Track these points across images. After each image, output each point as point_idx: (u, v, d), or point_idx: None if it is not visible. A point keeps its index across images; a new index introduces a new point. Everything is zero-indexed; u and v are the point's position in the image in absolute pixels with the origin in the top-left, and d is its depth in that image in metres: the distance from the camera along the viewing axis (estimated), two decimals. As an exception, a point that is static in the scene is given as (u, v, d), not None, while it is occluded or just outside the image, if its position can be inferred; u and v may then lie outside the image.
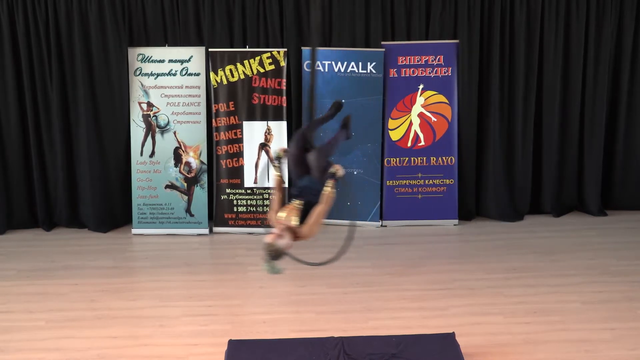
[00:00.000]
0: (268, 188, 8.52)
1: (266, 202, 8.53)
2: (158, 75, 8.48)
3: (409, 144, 8.64)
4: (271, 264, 5.30)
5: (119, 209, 8.75)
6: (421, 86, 8.55)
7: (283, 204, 5.61)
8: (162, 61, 8.47)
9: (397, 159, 8.66)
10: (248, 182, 8.55)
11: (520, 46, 8.51)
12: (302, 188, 5.62)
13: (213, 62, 8.41)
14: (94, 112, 8.47)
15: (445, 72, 8.51)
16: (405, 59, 8.49)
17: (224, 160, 8.54)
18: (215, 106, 8.49)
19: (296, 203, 5.50)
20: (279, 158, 5.96)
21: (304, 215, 5.47)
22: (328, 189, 5.55)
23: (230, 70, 8.42)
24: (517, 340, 6.39)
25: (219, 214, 8.62)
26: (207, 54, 8.43)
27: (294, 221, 5.45)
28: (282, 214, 5.48)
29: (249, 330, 6.62)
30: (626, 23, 8.56)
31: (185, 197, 8.58)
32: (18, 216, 8.70)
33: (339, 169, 5.66)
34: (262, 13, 8.43)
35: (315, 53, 5.63)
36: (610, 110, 8.87)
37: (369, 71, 8.45)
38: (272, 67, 8.42)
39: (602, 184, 8.97)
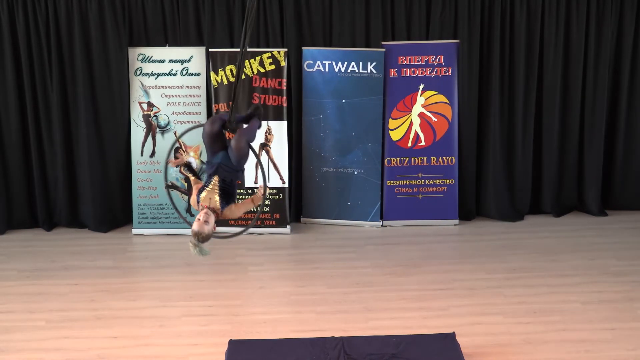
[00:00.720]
0: (268, 188, 8.52)
1: (266, 202, 8.52)
2: (158, 75, 8.48)
3: (410, 144, 8.64)
4: (199, 248, 5.48)
5: (119, 209, 8.75)
6: (421, 86, 8.55)
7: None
8: (162, 61, 8.47)
9: (398, 159, 8.66)
10: (248, 182, 8.55)
11: (520, 46, 8.51)
12: (217, 165, 5.64)
13: (213, 62, 8.42)
14: (94, 112, 8.47)
15: (445, 72, 8.51)
16: (405, 59, 8.49)
17: (224, 160, 8.53)
18: (215, 106, 8.49)
19: (214, 182, 5.58)
20: (186, 166, 6.00)
21: (222, 192, 5.58)
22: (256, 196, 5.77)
23: (231, 70, 8.42)
24: (517, 340, 6.39)
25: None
26: (208, 54, 8.44)
27: (216, 203, 5.55)
28: (203, 196, 5.56)
29: (249, 330, 6.62)
30: (626, 23, 8.56)
31: (186, 197, 8.57)
32: (18, 216, 8.70)
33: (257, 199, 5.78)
34: (262, 13, 8.43)
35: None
36: (610, 110, 8.87)
37: (369, 71, 8.45)
38: (273, 67, 8.42)
39: (602, 184, 8.96)
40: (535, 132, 8.79)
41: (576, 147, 8.85)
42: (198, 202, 5.60)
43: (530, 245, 8.21)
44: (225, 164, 5.65)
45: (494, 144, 8.70)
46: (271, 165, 8.54)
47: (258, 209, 6.09)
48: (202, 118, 8.50)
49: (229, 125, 5.83)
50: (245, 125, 5.95)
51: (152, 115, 8.52)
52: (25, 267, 7.82)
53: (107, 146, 8.58)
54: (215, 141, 5.76)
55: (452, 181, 8.69)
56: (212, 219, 5.50)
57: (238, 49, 8.38)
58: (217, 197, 5.56)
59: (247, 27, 5.50)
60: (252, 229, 8.59)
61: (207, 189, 5.58)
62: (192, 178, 5.85)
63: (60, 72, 8.35)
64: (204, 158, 8.52)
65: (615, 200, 9.05)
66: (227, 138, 5.86)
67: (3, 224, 8.62)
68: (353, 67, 8.45)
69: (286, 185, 8.55)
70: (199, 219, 5.45)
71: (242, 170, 5.82)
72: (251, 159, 8.50)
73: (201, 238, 5.47)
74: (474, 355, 6.14)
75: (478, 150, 8.80)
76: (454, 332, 6.29)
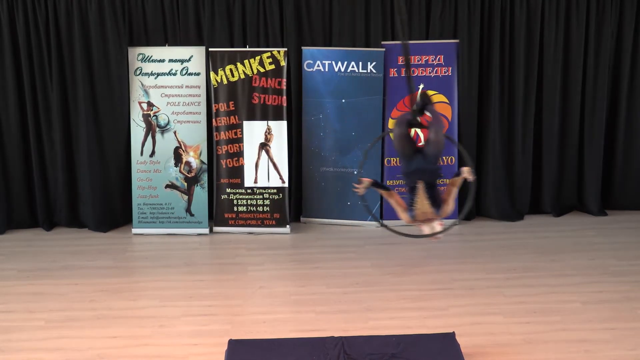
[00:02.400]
0: (268, 188, 8.53)
1: (266, 202, 8.53)
2: (158, 75, 8.48)
3: (409, 144, 8.63)
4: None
5: (119, 209, 8.75)
6: (421, 86, 8.55)
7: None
8: (162, 61, 8.47)
9: (398, 158, 8.66)
10: (248, 181, 8.55)
11: (520, 46, 8.51)
12: (416, 171, 5.55)
13: (213, 62, 8.41)
14: (94, 112, 8.47)
15: (445, 72, 8.51)
16: (405, 59, 8.48)
17: (224, 160, 8.54)
18: (215, 106, 8.49)
19: (420, 191, 5.51)
20: (373, 185, 5.83)
21: (430, 198, 5.53)
22: (457, 177, 5.65)
23: (231, 69, 8.42)
24: (517, 340, 6.39)
25: (219, 214, 8.62)
26: (207, 53, 8.43)
27: (432, 212, 5.53)
28: (420, 208, 5.53)
29: (249, 330, 6.62)
30: (626, 23, 8.56)
31: (186, 197, 8.58)
32: (18, 216, 8.70)
33: (467, 173, 5.63)
34: (262, 13, 8.43)
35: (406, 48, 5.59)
36: (610, 110, 8.87)
37: (369, 71, 8.45)
38: (272, 66, 8.41)
39: (602, 184, 8.97)
40: (535, 132, 8.79)
41: (576, 147, 8.86)
42: (413, 217, 5.57)
43: (530, 245, 8.21)
44: (424, 167, 5.55)
45: (494, 144, 8.70)
46: (271, 165, 8.54)
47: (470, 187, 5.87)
48: (202, 118, 8.50)
49: (414, 119, 5.71)
50: (429, 117, 5.78)
51: (152, 115, 8.52)
52: (25, 267, 7.82)
53: (107, 146, 8.58)
54: (407, 143, 5.66)
55: (452, 181, 8.68)
56: (430, 223, 5.55)
57: (238, 49, 8.40)
58: (429, 207, 5.52)
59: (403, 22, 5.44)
60: (252, 229, 8.60)
61: (416, 201, 5.51)
62: (383, 192, 5.80)
63: (60, 72, 8.35)
64: (204, 158, 8.54)
65: (615, 200, 9.05)
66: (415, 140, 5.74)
67: (3, 224, 8.62)
68: (353, 66, 8.45)
69: (286, 185, 8.55)
70: (423, 228, 5.53)
71: (439, 167, 5.70)
72: (252, 158, 8.57)
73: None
74: (474, 355, 6.14)
75: (478, 150, 8.80)
76: (453, 332, 6.29)
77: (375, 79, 8.46)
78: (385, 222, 5.87)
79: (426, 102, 5.86)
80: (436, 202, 5.58)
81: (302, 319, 6.79)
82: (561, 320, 6.69)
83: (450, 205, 5.63)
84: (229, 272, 7.72)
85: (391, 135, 5.79)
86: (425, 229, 5.62)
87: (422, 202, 5.55)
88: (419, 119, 5.72)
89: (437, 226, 5.62)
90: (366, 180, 5.77)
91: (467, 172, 5.63)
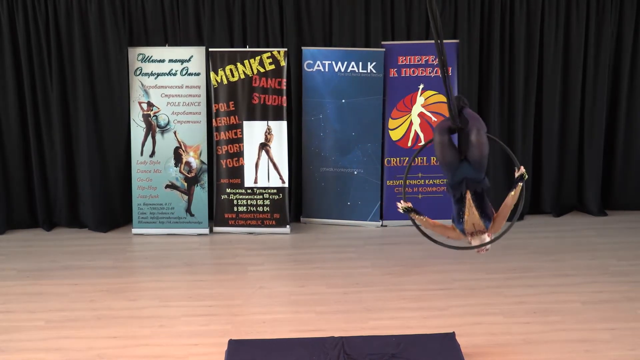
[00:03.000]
0: (268, 188, 8.53)
1: (266, 202, 8.53)
2: (158, 75, 8.48)
3: (409, 144, 8.64)
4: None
5: (119, 209, 8.75)
6: (421, 86, 8.55)
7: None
8: (162, 61, 8.47)
9: (398, 158, 8.66)
10: (248, 181, 8.55)
11: (520, 46, 8.51)
12: (463, 181, 5.38)
13: (213, 62, 8.41)
14: (94, 112, 8.47)
15: (445, 72, 8.51)
16: (405, 59, 8.49)
17: (224, 160, 8.54)
18: (215, 106, 8.49)
19: (469, 201, 5.35)
20: (408, 210, 5.73)
21: (480, 209, 5.39)
22: (515, 191, 5.49)
23: (231, 70, 8.42)
24: (517, 340, 6.39)
25: (219, 214, 8.62)
26: (207, 53, 8.43)
27: (481, 224, 5.40)
28: (469, 220, 5.39)
29: (249, 330, 6.62)
30: (626, 23, 8.56)
31: (186, 197, 8.58)
32: (18, 216, 8.70)
33: (523, 172, 5.53)
34: (262, 13, 8.43)
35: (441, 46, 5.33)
36: (610, 110, 8.87)
37: (369, 71, 8.45)
38: (272, 67, 8.41)
39: (602, 184, 8.97)
40: (535, 132, 8.80)
41: (576, 147, 8.86)
42: (462, 231, 5.43)
43: (530, 245, 8.21)
44: (470, 176, 5.38)
45: (493, 143, 8.69)
46: (271, 165, 8.54)
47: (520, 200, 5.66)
48: (202, 118, 8.50)
49: (454, 124, 5.50)
50: (468, 120, 5.57)
51: (152, 115, 8.52)
52: (25, 267, 7.82)
53: (107, 146, 8.58)
54: (449, 151, 5.46)
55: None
56: (479, 236, 5.42)
57: (238, 49, 8.40)
58: (479, 218, 5.37)
59: (436, 22, 5.14)
60: (252, 229, 8.60)
61: (465, 212, 5.34)
62: (417, 217, 5.61)
63: (60, 72, 8.35)
64: (204, 158, 8.54)
65: (615, 200, 9.05)
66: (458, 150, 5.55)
67: (3, 224, 8.62)
68: (353, 67, 8.45)
69: (286, 185, 8.55)
70: (473, 242, 5.42)
71: (485, 175, 5.50)
72: (252, 158, 8.56)
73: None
74: (474, 355, 6.13)
75: (478, 150, 8.79)
76: (453, 332, 6.29)
77: (375, 79, 8.46)
78: (417, 228, 5.73)
79: (462, 105, 5.66)
80: (485, 213, 5.41)
81: (302, 319, 6.79)
82: (561, 320, 6.69)
83: (503, 219, 5.46)
84: (229, 272, 7.72)
85: (433, 143, 5.54)
86: (474, 241, 5.46)
87: (472, 213, 5.39)
88: (458, 123, 5.52)
89: (486, 237, 5.46)
90: (406, 205, 5.63)
91: (523, 171, 5.48)
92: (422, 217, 5.66)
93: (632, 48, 8.65)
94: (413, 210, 5.66)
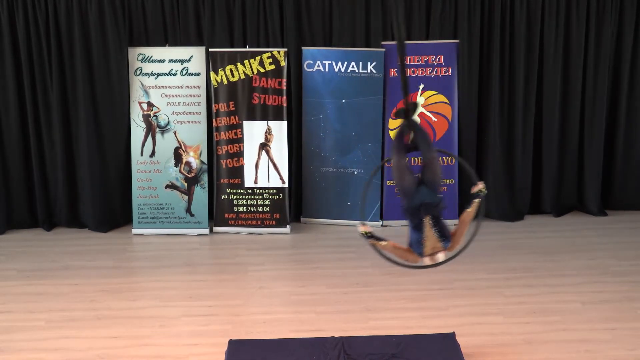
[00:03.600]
0: (268, 188, 8.53)
1: (266, 202, 8.53)
2: (158, 75, 8.48)
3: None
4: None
5: (119, 209, 8.75)
6: (421, 86, 8.55)
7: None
8: (162, 61, 8.47)
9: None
10: (248, 182, 8.55)
11: (520, 46, 8.51)
12: (420, 206, 5.36)
13: (213, 62, 8.41)
14: (94, 112, 8.47)
15: (445, 72, 8.51)
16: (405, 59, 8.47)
17: (224, 160, 8.54)
18: (215, 106, 8.49)
19: (428, 226, 5.33)
20: (368, 236, 5.68)
21: (439, 232, 5.38)
22: (472, 208, 5.50)
23: (231, 70, 8.42)
24: (517, 340, 6.39)
25: (219, 214, 8.62)
26: (207, 53, 8.43)
27: (441, 247, 5.41)
28: (429, 245, 5.39)
29: (249, 330, 6.62)
30: (626, 23, 8.56)
31: (186, 197, 8.58)
32: (18, 216, 8.70)
33: (481, 187, 5.54)
34: (262, 13, 8.43)
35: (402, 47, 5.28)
36: (610, 110, 8.87)
37: (369, 71, 8.45)
38: (273, 67, 8.41)
39: (602, 184, 8.96)
40: (535, 131, 8.79)
41: (576, 147, 8.86)
42: (421, 255, 5.42)
43: (530, 245, 8.21)
44: (427, 201, 5.34)
45: (494, 143, 8.70)
46: (271, 165, 8.54)
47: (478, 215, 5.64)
48: (202, 118, 8.50)
49: (406, 131, 5.50)
50: (419, 131, 5.58)
51: (152, 115, 8.52)
52: (25, 267, 7.82)
53: (107, 146, 8.58)
54: (407, 174, 5.43)
55: (452, 181, 8.69)
56: (440, 255, 5.43)
57: (238, 49, 8.40)
58: (437, 241, 5.37)
59: (400, 24, 5.14)
60: (252, 229, 8.60)
61: (424, 237, 5.33)
62: (377, 243, 5.56)
63: (60, 72, 8.34)
64: (204, 158, 8.54)
65: (615, 200, 9.05)
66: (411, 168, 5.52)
67: (3, 224, 8.62)
68: (353, 67, 8.45)
69: (286, 185, 8.55)
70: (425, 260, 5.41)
71: (442, 197, 5.48)
72: (252, 158, 8.56)
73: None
74: (474, 355, 6.14)
75: (478, 150, 8.80)
76: (454, 332, 6.29)
77: (375, 79, 8.46)
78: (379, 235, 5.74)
79: (409, 114, 5.63)
80: (443, 234, 5.40)
81: (302, 319, 6.79)
82: (561, 320, 6.69)
83: (460, 236, 5.47)
84: (229, 272, 7.72)
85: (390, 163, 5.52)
86: (427, 261, 5.46)
87: (431, 237, 5.39)
88: (411, 134, 5.52)
89: (440, 256, 5.46)
90: (366, 229, 5.62)
91: (481, 187, 5.49)
92: (381, 243, 5.60)
93: (632, 48, 8.64)
94: (373, 236, 5.62)
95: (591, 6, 8.46)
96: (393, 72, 8.49)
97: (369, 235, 5.67)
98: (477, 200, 5.56)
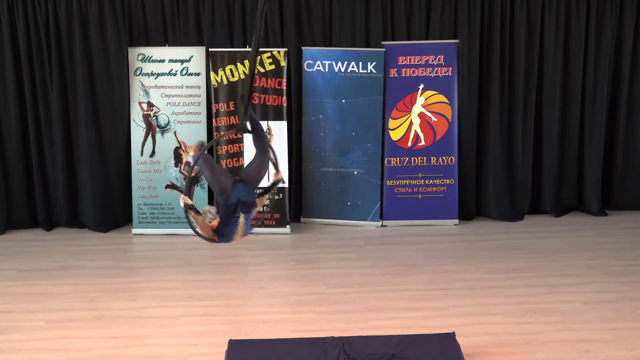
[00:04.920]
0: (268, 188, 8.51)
1: (266, 202, 8.53)
2: (158, 75, 8.48)
3: (409, 144, 8.64)
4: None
5: (119, 209, 8.75)
6: (421, 86, 8.55)
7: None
8: (162, 61, 8.47)
9: (398, 158, 8.66)
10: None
11: (520, 46, 8.51)
12: (237, 204, 5.48)
13: (213, 62, 8.41)
14: (94, 112, 8.47)
15: (445, 72, 8.51)
16: (405, 59, 8.49)
17: (224, 160, 8.54)
18: (215, 106, 8.49)
19: (241, 222, 5.49)
20: (188, 207, 5.64)
21: (247, 224, 5.56)
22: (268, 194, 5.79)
23: (231, 70, 8.42)
24: (517, 340, 6.39)
25: (219, 214, 8.61)
26: (207, 53, 8.44)
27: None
28: (237, 237, 5.57)
29: (249, 330, 6.62)
30: (626, 23, 8.56)
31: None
32: (18, 216, 8.70)
33: (281, 177, 5.85)
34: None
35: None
36: (610, 110, 8.87)
37: (369, 71, 8.45)
38: (273, 67, 8.42)
39: (602, 184, 8.96)
40: (535, 132, 8.79)
41: (576, 147, 8.86)
42: (227, 242, 5.61)
43: (530, 245, 8.21)
44: (244, 199, 5.49)
45: (494, 144, 8.70)
46: (271, 165, 8.52)
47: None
48: (202, 118, 8.50)
49: (243, 122, 5.69)
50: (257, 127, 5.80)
51: (152, 115, 8.52)
52: (25, 267, 7.82)
53: (107, 146, 8.58)
54: (222, 175, 5.59)
55: (452, 181, 8.69)
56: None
57: (238, 49, 8.40)
58: (244, 230, 5.53)
59: (259, 26, 5.26)
60: (252, 229, 8.59)
61: (237, 232, 5.50)
62: (194, 216, 5.58)
63: (60, 72, 8.35)
64: (204, 158, 8.53)
65: (615, 200, 9.05)
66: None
67: (3, 224, 8.62)
68: (353, 67, 8.45)
69: (286, 185, 8.55)
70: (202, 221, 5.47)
71: (255, 196, 5.66)
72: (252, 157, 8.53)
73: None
74: (474, 355, 6.14)
75: (478, 150, 8.80)
76: (454, 332, 6.29)
77: (375, 79, 8.46)
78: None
79: (246, 110, 5.74)
80: (249, 224, 5.57)
81: (302, 319, 6.79)
82: (561, 320, 6.69)
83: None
84: (229, 272, 7.73)
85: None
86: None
87: (241, 230, 5.52)
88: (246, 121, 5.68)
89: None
90: (186, 201, 5.61)
91: (280, 177, 5.82)
92: (198, 217, 5.61)
93: (632, 48, 8.64)
94: (193, 208, 5.64)
95: (591, 6, 8.46)
96: (393, 72, 8.50)
97: (190, 207, 5.64)
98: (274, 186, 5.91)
